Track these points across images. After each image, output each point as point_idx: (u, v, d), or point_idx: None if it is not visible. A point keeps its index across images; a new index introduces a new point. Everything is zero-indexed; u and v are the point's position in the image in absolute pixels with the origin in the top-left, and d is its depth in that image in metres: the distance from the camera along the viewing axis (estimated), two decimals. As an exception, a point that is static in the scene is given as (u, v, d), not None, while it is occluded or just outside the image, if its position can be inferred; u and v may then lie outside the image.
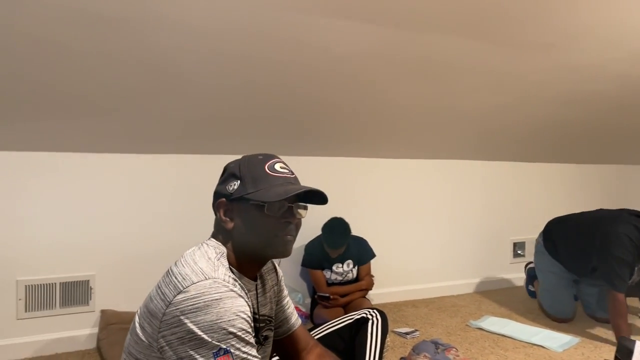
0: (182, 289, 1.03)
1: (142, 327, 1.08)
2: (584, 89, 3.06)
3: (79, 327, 2.53)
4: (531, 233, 4.07)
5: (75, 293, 2.52)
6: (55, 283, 2.47)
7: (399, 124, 3.09)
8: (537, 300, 3.39)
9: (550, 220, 3.26)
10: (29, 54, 1.86)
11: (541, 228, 3.95)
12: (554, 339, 2.71)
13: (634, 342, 2.22)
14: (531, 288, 3.55)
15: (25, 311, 2.41)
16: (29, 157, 2.42)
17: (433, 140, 3.40)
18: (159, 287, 1.08)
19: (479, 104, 3.04)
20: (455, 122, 3.21)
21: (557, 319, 3.09)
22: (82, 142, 2.46)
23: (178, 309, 1.01)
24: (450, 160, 3.73)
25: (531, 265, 3.65)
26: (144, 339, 1.06)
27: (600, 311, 3.05)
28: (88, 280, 2.55)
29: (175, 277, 1.06)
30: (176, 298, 1.02)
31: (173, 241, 2.67)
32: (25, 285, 2.41)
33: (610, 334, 2.79)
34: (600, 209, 3.07)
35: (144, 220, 2.70)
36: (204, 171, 2.58)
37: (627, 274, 2.63)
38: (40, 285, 2.44)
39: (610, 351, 2.53)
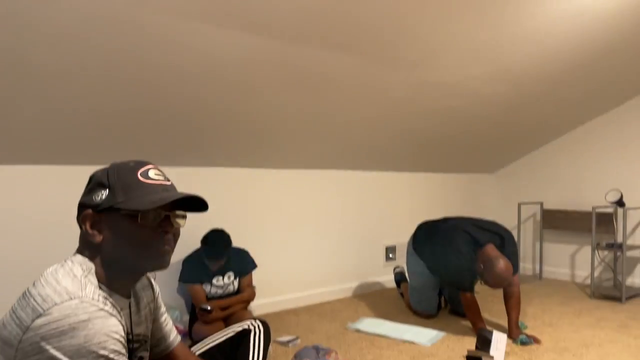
0: (42, 312, 0.92)
1: (-7, 359, 0.94)
2: (442, 105, 3.37)
3: None
4: (400, 237, 4.36)
5: None
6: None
7: (276, 134, 3.11)
8: (404, 300, 3.64)
9: (420, 224, 3.52)
10: None
11: (409, 232, 4.25)
12: (423, 334, 2.92)
13: (491, 332, 2.48)
14: (399, 290, 3.80)
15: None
16: None
17: (310, 150, 3.48)
18: (14, 312, 0.96)
19: (351, 116, 3.19)
20: (330, 133, 3.33)
21: (423, 315, 3.34)
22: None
23: (37, 334, 0.90)
24: (326, 170, 3.85)
25: (398, 270, 3.91)
26: (-5, 371, 0.93)
27: (461, 307, 3.36)
28: None
29: (34, 299, 0.94)
30: (35, 322, 0.91)
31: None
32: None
33: (471, 328, 3.08)
34: (446, 218, 3.32)
35: None
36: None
37: (467, 277, 2.92)
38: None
39: (471, 342, 2.79)
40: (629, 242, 4.20)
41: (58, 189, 2.60)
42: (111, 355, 0.94)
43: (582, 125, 4.53)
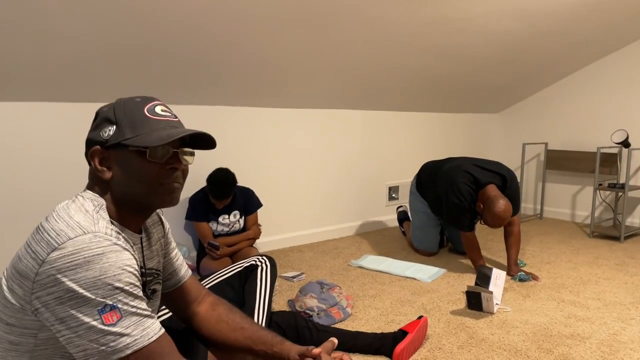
0: (56, 245, 0.93)
1: (11, 290, 0.97)
2: (450, 42, 3.27)
3: None
4: (404, 178, 4.39)
5: None
6: None
7: (282, 73, 3.05)
8: (407, 239, 3.71)
9: (424, 164, 3.52)
10: None
11: (412, 172, 4.26)
12: (424, 271, 3.00)
13: (490, 269, 2.54)
14: (402, 229, 3.86)
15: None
16: None
17: (314, 89, 3.43)
18: (29, 246, 0.97)
19: (356, 54, 3.10)
20: (335, 72, 3.26)
21: (425, 253, 3.42)
22: None
23: (53, 267, 0.92)
24: (330, 109, 3.81)
25: (401, 209, 3.96)
26: (14, 302, 0.96)
27: (462, 246, 3.43)
28: None
29: (48, 234, 0.96)
30: (50, 256, 0.93)
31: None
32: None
33: (470, 265, 3.16)
34: (449, 159, 3.31)
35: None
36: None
37: (467, 216, 2.95)
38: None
39: (471, 279, 2.87)
40: (632, 182, 4.22)
41: (63, 126, 2.58)
42: (126, 288, 0.96)
43: (589, 65, 4.42)
